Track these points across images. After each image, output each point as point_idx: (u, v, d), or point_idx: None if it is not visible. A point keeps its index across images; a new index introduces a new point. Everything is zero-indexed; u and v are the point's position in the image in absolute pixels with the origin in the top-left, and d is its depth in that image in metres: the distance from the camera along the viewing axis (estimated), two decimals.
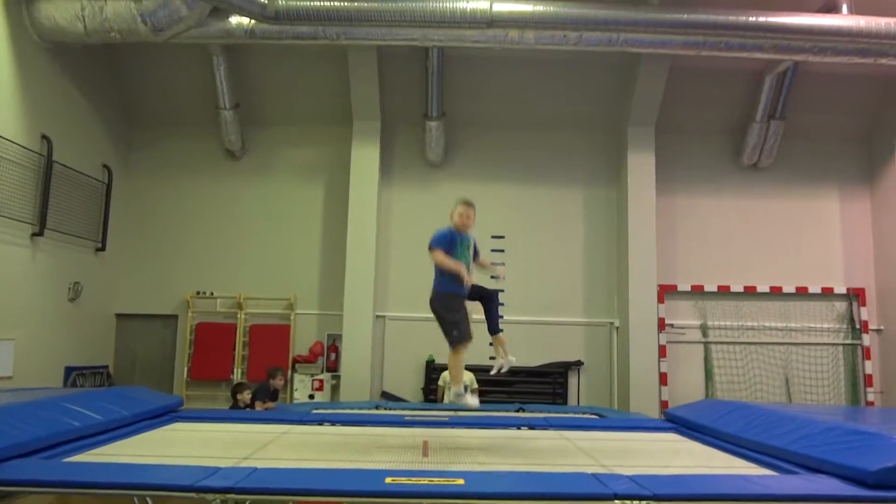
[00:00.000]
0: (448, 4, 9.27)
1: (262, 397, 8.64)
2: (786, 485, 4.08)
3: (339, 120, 11.73)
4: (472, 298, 5.66)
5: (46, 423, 4.75)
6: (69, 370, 10.37)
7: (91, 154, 11.05)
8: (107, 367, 11.53)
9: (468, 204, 5.67)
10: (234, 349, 11.61)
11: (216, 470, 3.89)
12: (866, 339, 11.69)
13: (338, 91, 11.49)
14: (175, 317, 11.88)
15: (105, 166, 11.37)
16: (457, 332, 5.12)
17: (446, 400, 5.27)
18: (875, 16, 9.54)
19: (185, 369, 11.57)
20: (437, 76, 11.08)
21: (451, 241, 5.43)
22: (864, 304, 11.77)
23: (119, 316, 11.89)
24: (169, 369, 11.84)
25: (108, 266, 11.48)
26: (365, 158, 11.49)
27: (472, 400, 5.05)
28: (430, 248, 5.41)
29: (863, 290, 11.83)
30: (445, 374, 9.75)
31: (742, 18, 9.46)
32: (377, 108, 11.46)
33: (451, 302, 5.23)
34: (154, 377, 11.60)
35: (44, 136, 9.72)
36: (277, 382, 8.96)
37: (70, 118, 10.48)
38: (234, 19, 9.56)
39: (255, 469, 3.98)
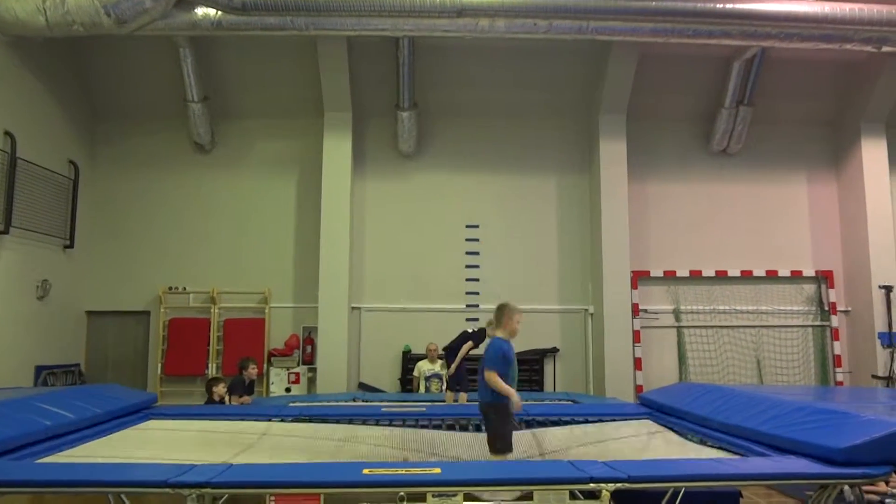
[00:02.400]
0: None
1: (237, 391, 8.57)
2: (756, 465, 4.16)
3: (310, 112, 11.63)
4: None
5: (17, 423, 4.68)
6: (40, 369, 10.21)
7: (56, 150, 10.84)
8: (78, 365, 11.37)
9: (518, 309, 5.45)
10: (209, 344, 11.51)
11: (191, 466, 3.86)
12: (834, 321, 11.91)
13: (308, 83, 11.39)
14: (147, 313, 11.74)
15: (71, 162, 11.17)
16: (500, 444, 5.03)
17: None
18: (840, 1, 9.68)
19: (159, 365, 11.44)
20: (408, 66, 11.02)
21: (507, 361, 5.22)
22: (832, 287, 11.99)
23: (90, 313, 11.72)
24: (142, 366, 11.71)
25: (76, 263, 11.30)
26: (337, 150, 11.42)
27: None
28: (488, 368, 5.15)
29: (831, 272, 12.05)
30: (421, 363, 9.79)
31: (710, 5, 9.52)
32: (348, 99, 11.38)
33: (506, 415, 5.10)
34: (127, 374, 11.46)
35: (7, 133, 9.52)
36: (251, 373, 8.86)
37: (34, 114, 10.27)
38: (201, 10, 9.41)
39: (231, 464, 3.96)
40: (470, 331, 8.70)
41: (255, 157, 12.07)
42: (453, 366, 8.32)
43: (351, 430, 5.93)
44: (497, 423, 5.07)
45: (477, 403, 5.30)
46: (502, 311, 5.36)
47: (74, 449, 4.88)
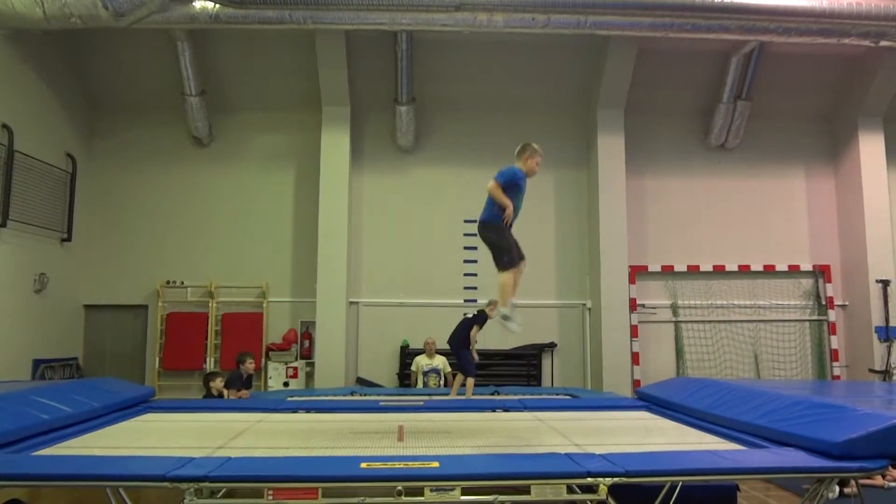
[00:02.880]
0: None
1: (234, 385, 8.57)
2: (755, 458, 4.17)
3: (308, 106, 11.61)
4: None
5: (14, 416, 4.68)
6: (37, 363, 10.21)
7: (54, 143, 10.82)
8: (76, 358, 11.37)
9: (541, 153, 5.67)
10: (207, 338, 11.51)
11: (189, 460, 3.86)
12: (832, 315, 11.93)
13: (306, 76, 11.36)
14: (145, 307, 11.73)
15: (69, 155, 11.15)
16: (507, 258, 5.24)
17: (494, 317, 5.45)
18: None
19: (157, 359, 11.44)
20: (406, 61, 11.00)
21: (514, 182, 5.41)
22: (829, 281, 12.01)
23: (87, 307, 11.71)
24: (140, 360, 11.71)
25: (74, 256, 11.29)
26: (335, 144, 11.41)
27: (515, 325, 5.13)
28: (494, 179, 5.39)
29: (828, 266, 12.07)
30: (419, 358, 9.80)
31: (708, 0, 9.52)
32: (346, 93, 11.36)
33: (499, 229, 5.32)
34: (125, 368, 11.45)
35: (4, 126, 9.50)
36: (248, 367, 8.88)
37: (31, 107, 10.25)
38: (199, 3, 9.39)
39: (229, 458, 3.96)
40: (470, 315, 8.73)
41: (252, 151, 12.05)
42: (473, 351, 8.34)
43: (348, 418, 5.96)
44: (496, 239, 5.29)
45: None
46: (525, 148, 5.63)
47: (71, 441, 4.88)
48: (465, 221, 11.75)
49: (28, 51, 10.06)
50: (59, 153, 10.92)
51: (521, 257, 5.35)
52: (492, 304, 5.48)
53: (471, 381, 8.19)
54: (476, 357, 8.47)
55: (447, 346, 8.62)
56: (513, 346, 11.55)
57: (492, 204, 5.35)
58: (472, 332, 8.31)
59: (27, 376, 9.95)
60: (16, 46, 9.78)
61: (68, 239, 11.03)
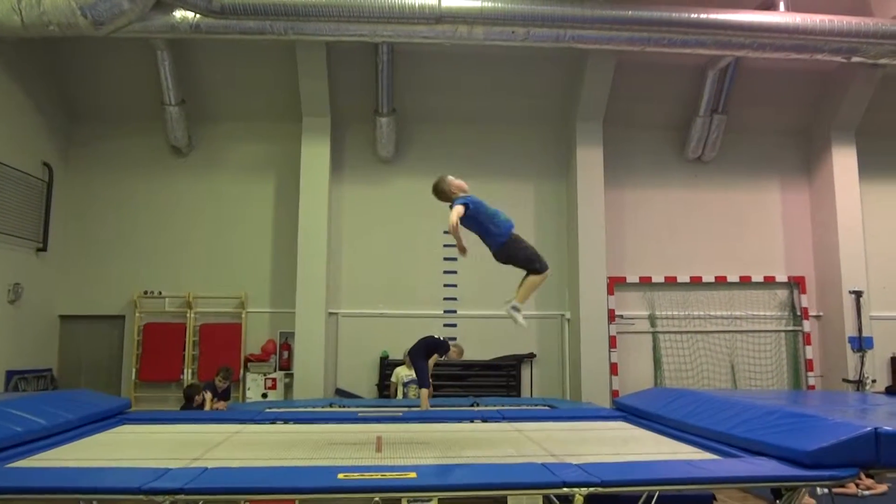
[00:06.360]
0: (397, 0, 9.26)
1: (211, 393, 8.58)
2: (728, 468, 4.22)
3: (288, 116, 11.61)
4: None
5: None
6: (10, 374, 10.06)
7: (30, 151, 10.72)
8: (50, 370, 11.22)
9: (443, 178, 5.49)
10: (184, 349, 11.41)
11: (165, 471, 3.83)
12: (807, 326, 12.09)
13: (286, 87, 11.36)
14: (122, 317, 11.61)
15: (45, 164, 11.04)
16: (539, 261, 5.30)
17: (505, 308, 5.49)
18: (811, 13, 9.89)
19: (134, 371, 11.32)
20: (387, 72, 11.04)
21: (477, 205, 5.27)
22: (804, 292, 12.18)
23: (63, 317, 11.57)
24: (116, 371, 11.57)
25: (50, 266, 11.16)
26: (315, 155, 11.40)
27: (522, 318, 5.21)
28: (454, 203, 5.20)
29: (803, 278, 12.24)
30: (399, 369, 9.78)
31: (685, 15, 9.69)
32: (327, 104, 11.37)
33: (515, 241, 5.35)
34: (101, 380, 11.32)
35: None
36: (219, 383, 8.91)
37: (7, 114, 10.15)
38: (179, 13, 9.37)
39: (206, 469, 3.93)
40: (438, 337, 8.76)
41: (232, 161, 12.01)
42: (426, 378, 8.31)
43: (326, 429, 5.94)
44: (520, 251, 5.33)
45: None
46: (441, 187, 5.40)
47: (45, 453, 4.82)
48: (445, 233, 11.71)
49: (5, 58, 9.98)
50: (35, 162, 10.82)
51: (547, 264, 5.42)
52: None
53: (424, 391, 8.21)
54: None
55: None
56: (492, 356, 11.58)
57: (489, 226, 5.34)
58: (432, 361, 8.34)
59: (0, 388, 9.79)
60: None
61: (44, 248, 10.91)
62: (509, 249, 5.39)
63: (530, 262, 5.38)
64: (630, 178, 12.24)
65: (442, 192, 5.46)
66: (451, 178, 5.45)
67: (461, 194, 5.36)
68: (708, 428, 5.21)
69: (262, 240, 11.85)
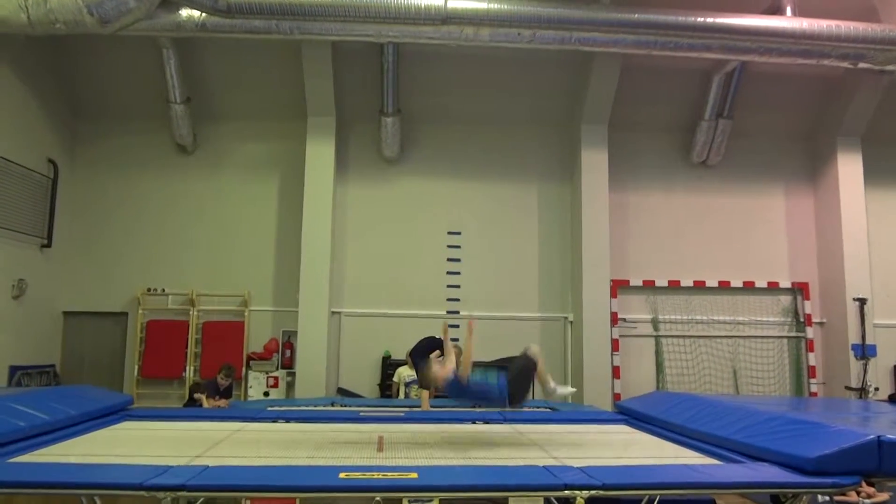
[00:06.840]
0: (403, 1, 9.26)
1: (210, 393, 8.57)
2: (730, 473, 4.22)
3: (293, 115, 11.61)
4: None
5: None
6: (14, 369, 10.07)
7: (36, 148, 10.74)
8: (53, 366, 11.24)
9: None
10: (187, 347, 11.42)
11: (167, 468, 3.84)
12: (810, 332, 12.06)
13: (292, 86, 11.36)
14: (125, 314, 11.63)
15: (50, 161, 11.07)
16: (531, 364, 5.65)
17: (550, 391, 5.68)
18: (818, 18, 9.86)
19: (136, 367, 11.33)
20: (392, 72, 11.05)
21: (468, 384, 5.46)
22: (807, 298, 12.14)
23: (66, 314, 11.59)
24: (119, 368, 11.58)
25: (54, 263, 11.18)
26: (320, 154, 11.40)
27: (565, 388, 5.34)
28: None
29: (806, 284, 12.21)
30: (401, 369, 9.78)
31: (691, 19, 9.67)
32: (332, 103, 11.38)
33: (513, 382, 5.53)
34: (103, 376, 11.32)
35: None
36: (221, 381, 8.92)
37: (13, 111, 10.17)
38: (185, 12, 9.38)
39: (207, 467, 3.94)
40: (439, 337, 8.72)
41: (237, 160, 12.03)
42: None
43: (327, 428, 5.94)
44: (521, 382, 5.57)
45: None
46: (427, 375, 5.67)
47: (47, 448, 4.83)
48: (449, 233, 11.81)
49: (11, 56, 9.99)
50: (40, 159, 10.84)
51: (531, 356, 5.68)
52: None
53: (426, 392, 8.20)
54: None
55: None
56: (494, 358, 11.53)
57: (485, 399, 5.60)
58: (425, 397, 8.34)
59: (3, 383, 9.82)
60: None
61: (48, 245, 10.93)
62: (517, 393, 5.53)
63: (529, 373, 5.61)
64: (634, 181, 12.22)
65: (423, 379, 5.70)
66: (436, 368, 5.56)
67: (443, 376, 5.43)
68: (710, 433, 5.20)
69: (266, 238, 11.86)
